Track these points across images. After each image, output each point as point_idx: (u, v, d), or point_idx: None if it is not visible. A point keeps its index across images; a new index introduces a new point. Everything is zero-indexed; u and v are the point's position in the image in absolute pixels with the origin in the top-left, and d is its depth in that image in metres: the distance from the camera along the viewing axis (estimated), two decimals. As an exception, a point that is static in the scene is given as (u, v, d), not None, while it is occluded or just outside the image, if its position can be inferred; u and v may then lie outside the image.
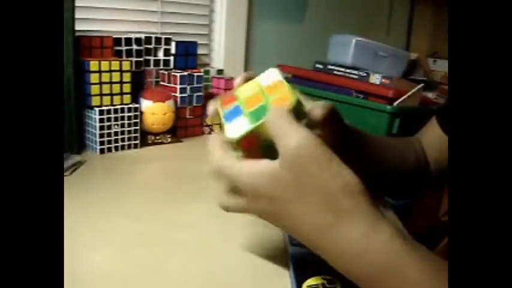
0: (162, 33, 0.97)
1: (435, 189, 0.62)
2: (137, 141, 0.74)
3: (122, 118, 0.72)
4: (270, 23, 1.24)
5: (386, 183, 0.54)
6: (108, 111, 0.70)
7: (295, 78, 1.17)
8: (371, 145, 0.50)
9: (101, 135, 0.70)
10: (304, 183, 0.30)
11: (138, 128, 0.74)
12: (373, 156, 0.50)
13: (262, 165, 0.31)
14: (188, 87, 0.83)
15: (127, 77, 0.72)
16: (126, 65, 0.72)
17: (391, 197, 0.62)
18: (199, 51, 0.96)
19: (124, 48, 0.78)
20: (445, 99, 0.58)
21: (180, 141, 0.81)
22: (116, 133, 0.71)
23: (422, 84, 0.90)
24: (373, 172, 0.51)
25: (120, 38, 0.78)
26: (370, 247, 0.29)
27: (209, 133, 0.88)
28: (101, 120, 0.69)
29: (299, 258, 0.39)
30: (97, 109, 0.69)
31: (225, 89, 0.93)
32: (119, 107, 0.71)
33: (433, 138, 0.57)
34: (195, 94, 0.84)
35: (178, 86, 0.81)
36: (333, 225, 0.30)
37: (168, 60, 0.86)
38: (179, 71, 0.83)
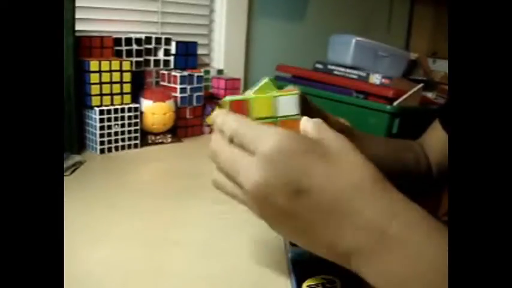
0: (162, 33, 0.97)
1: (435, 193, 0.62)
2: (137, 141, 0.74)
3: (122, 118, 0.72)
4: (270, 23, 1.24)
5: None
6: (108, 111, 0.70)
7: (295, 78, 1.17)
8: (367, 145, 0.50)
9: (101, 135, 0.70)
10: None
11: (138, 128, 0.74)
12: (369, 156, 0.50)
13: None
14: (188, 87, 0.83)
15: (127, 77, 0.72)
16: (126, 65, 0.72)
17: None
18: (199, 51, 0.96)
19: (124, 48, 0.78)
20: (445, 99, 0.57)
21: (181, 141, 0.81)
22: (116, 133, 0.71)
23: (422, 84, 0.90)
24: None
25: (120, 38, 0.78)
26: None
27: (209, 133, 0.88)
28: (101, 120, 0.69)
29: (299, 258, 0.39)
30: (97, 109, 0.69)
31: (225, 89, 0.93)
32: (119, 107, 0.71)
33: (435, 140, 0.57)
34: (195, 94, 0.84)
35: (178, 86, 0.81)
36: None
37: (168, 60, 0.86)
38: (179, 71, 0.83)
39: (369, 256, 0.29)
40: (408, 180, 0.54)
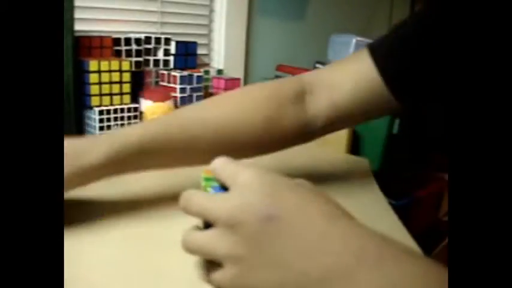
0: (162, 33, 0.97)
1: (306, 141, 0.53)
2: (137, 141, 0.74)
3: (122, 118, 0.72)
4: (270, 22, 1.24)
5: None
6: (108, 111, 0.70)
7: (295, 78, 1.17)
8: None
9: (101, 135, 0.69)
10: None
11: (137, 128, 0.74)
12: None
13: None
14: (188, 87, 0.82)
15: (127, 77, 0.72)
16: (125, 65, 0.72)
17: (391, 196, 0.62)
18: (199, 51, 0.96)
19: (123, 48, 0.78)
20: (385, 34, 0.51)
21: (180, 141, 0.81)
22: (115, 133, 0.71)
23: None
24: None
25: (120, 38, 0.78)
26: None
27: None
28: (101, 120, 0.69)
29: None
30: (96, 109, 0.69)
31: (225, 89, 0.93)
32: (118, 107, 0.71)
33: (346, 77, 0.49)
34: (195, 94, 0.84)
35: (178, 86, 0.81)
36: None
37: (168, 60, 0.86)
38: (179, 71, 0.83)
39: (345, 278, 0.27)
40: (255, 139, 0.49)
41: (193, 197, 0.33)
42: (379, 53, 0.49)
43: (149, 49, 0.84)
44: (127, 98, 0.73)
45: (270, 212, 0.29)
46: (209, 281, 0.32)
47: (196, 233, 0.32)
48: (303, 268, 0.28)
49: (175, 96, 0.81)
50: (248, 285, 0.30)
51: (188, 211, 0.33)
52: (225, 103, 0.50)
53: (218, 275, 0.31)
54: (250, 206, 0.29)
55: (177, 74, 0.81)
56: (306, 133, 0.51)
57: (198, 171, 0.39)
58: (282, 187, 0.31)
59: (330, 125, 0.51)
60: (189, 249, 0.32)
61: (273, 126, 0.48)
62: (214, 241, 0.30)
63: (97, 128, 0.69)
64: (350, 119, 0.51)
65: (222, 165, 0.33)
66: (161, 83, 0.85)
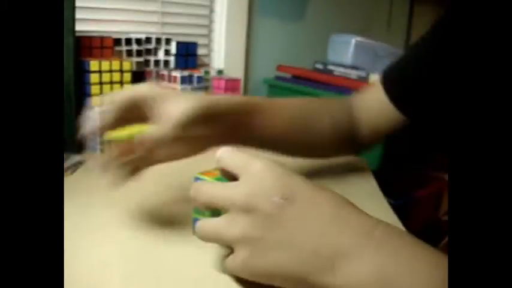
0: (163, 34, 0.97)
1: (358, 152, 0.63)
2: (137, 142, 0.74)
3: (122, 118, 0.72)
4: (270, 23, 1.24)
5: (295, 148, 0.54)
6: (108, 112, 0.70)
7: (295, 78, 1.17)
8: (269, 116, 0.49)
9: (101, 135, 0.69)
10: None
11: (138, 128, 0.74)
12: (276, 128, 0.49)
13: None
14: (188, 87, 0.83)
15: (127, 77, 0.72)
16: (126, 65, 0.72)
17: (391, 196, 0.62)
18: (200, 51, 0.96)
19: (124, 48, 0.78)
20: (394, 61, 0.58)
21: (180, 141, 0.81)
22: (116, 133, 0.71)
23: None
24: (281, 147, 0.52)
25: (121, 39, 0.78)
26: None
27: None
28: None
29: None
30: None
31: (225, 89, 0.93)
32: (119, 107, 0.71)
33: (373, 100, 0.57)
34: (195, 94, 0.84)
35: (178, 86, 0.81)
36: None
37: (169, 60, 0.86)
38: (179, 71, 0.83)
39: (356, 255, 0.29)
40: (323, 145, 0.55)
41: (203, 186, 0.34)
42: (386, 76, 0.57)
43: (150, 49, 0.84)
44: (127, 98, 0.73)
45: (284, 196, 0.31)
46: (223, 271, 0.34)
47: (210, 219, 0.33)
48: (314, 248, 0.29)
49: (176, 97, 0.81)
50: (259, 266, 0.31)
51: (199, 200, 0.34)
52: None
53: (229, 260, 0.33)
54: (265, 191, 0.31)
55: (177, 74, 0.82)
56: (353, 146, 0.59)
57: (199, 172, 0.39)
58: (293, 178, 0.32)
59: (367, 144, 0.59)
60: (204, 236, 0.34)
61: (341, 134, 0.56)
62: (228, 226, 0.32)
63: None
64: (378, 136, 0.59)
65: (230, 154, 0.34)
66: (162, 83, 0.85)
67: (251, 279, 0.32)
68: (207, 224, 0.33)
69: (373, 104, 0.57)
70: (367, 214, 0.32)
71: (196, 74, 0.84)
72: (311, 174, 0.60)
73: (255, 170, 0.32)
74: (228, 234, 0.31)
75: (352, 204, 0.33)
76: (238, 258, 0.32)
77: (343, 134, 0.56)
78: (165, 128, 0.38)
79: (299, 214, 0.30)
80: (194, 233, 0.35)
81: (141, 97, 0.39)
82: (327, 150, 0.57)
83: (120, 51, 0.78)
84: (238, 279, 0.37)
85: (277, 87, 1.16)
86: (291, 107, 0.52)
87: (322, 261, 0.29)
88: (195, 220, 0.36)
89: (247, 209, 0.31)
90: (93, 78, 0.69)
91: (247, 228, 0.31)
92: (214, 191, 0.33)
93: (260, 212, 0.30)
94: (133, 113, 0.40)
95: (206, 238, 0.33)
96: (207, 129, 0.42)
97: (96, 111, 0.39)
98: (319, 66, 1.12)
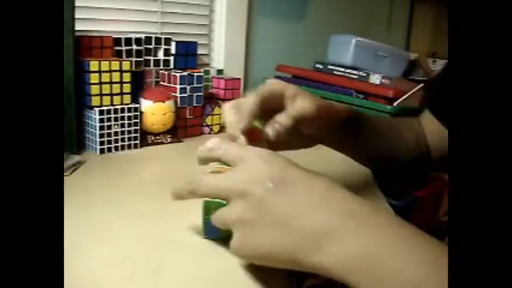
0: (162, 33, 0.97)
1: (434, 174, 0.66)
2: (137, 141, 0.74)
3: (122, 118, 0.72)
4: (270, 23, 1.24)
5: (387, 167, 0.57)
6: (108, 111, 0.70)
7: (295, 78, 1.17)
8: (371, 125, 0.53)
9: (101, 135, 0.69)
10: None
11: (138, 128, 0.74)
12: (372, 137, 0.54)
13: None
14: (188, 87, 0.82)
15: (127, 77, 0.72)
16: (126, 65, 0.72)
17: (391, 196, 0.62)
18: (199, 51, 0.96)
19: (124, 48, 0.78)
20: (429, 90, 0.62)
21: (180, 141, 0.81)
22: (115, 133, 0.71)
23: (422, 84, 0.90)
24: (373, 156, 0.54)
25: (120, 38, 0.78)
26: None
27: (209, 133, 0.88)
28: (101, 120, 0.69)
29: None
30: (97, 109, 0.69)
31: (225, 89, 0.93)
32: (119, 107, 0.71)
33: (432, 126, 0.58)
34: (195, 94, 0.84)
35: (178, 86, 0.81)
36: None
37: (168, 60, 0.86)
38: (179, 71, 0.83)
39: (341, 235, 0.29)
40: (409, 158, 0.57)
41: (202, 180, 0.37)
42: (428, 93, 0.62)
43: (149, 49, 0.84)
44: (127, 98, 0.73)
45: (278, 177, 0.33)
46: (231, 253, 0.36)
47: (221, 209, 0.36)
48: (301, 227, 0.31)
49: (176, 96, 0.81)
50: (251, 248, 0.33)
51: (198, 193, 0.37)
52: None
53: (231, 243, 0.35)
54: (260, 175, 0.33)
55: (177, 74, 0.81)
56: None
57: (198, 173, 0.39)
58: (287, 162, 0.35)
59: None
60: (215, 221, 0.37)
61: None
62: (228, 210, 0.35)
63: (97, 128, 0.69)
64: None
65: (221, 145, 0.37)
66: (161, 83, 0.85)
67: (247, 261, 0.35)
68: (218, 212, 0.36)
69: (435, 129, 0.58)
70: (356, 195, 0.33)
71: (196, 73, 0.84)
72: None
73: (251, 157, 0.35)
74: (228, 218, 0.34)
75: (343, 187, 0.33)
76: (235, 241, 0.34)
77: (424, 150, 0.59)
78: (292, 117, 0.43)
79: (289, 197, 0.32)
80: (205, 236, 0.40)
81: (277, 90, 0.45)
82: (409, 164, 0.59)
83: (120, 51, 0.78)
84: (239, 279, 0.37)
85: (277, 87, 1.16)
86: (379, 119, 0.57)
87: (308, 240, 0.30)
88: (207, 223, 0.39)
89: (243, 195, 0.33)
90: (93, 78, 0.69)
91: (242, 212, 0.33)
92: (215, 181, 0.36)
93: (254, 197, 0.32)
94: (269, 105, 0.45)
95: (217, 223, 0.37)
96: (319, 127, 0.48)
97: (235, 105, 0.44)
98: (319, 66, 1.12)
